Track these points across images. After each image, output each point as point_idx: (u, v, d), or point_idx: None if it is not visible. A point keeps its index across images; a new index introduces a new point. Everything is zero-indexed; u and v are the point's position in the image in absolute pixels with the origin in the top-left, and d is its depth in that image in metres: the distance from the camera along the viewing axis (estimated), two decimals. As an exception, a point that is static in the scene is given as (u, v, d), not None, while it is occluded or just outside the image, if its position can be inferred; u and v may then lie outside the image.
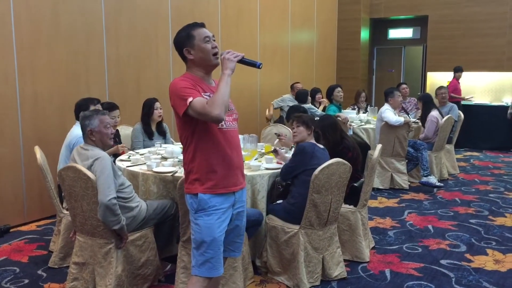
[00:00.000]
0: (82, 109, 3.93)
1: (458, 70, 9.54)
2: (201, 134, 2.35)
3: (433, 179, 6.07)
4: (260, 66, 2.41)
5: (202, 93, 2.34)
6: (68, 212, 3.41)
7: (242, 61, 2.38)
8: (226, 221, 2.42)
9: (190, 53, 2.41)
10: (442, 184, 6.27)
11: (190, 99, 2.25)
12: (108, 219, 2.96)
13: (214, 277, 2.42)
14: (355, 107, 7.62)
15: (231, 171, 2.41)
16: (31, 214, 4.88)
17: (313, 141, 3.60)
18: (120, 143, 4.57)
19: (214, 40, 2.44)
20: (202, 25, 2.45)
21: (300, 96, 6.91)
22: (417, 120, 6.88)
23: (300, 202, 3.39)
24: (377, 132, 6.27)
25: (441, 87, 7.29)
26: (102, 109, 3.33)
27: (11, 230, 4.63)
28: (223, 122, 2.35)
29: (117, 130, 4.68)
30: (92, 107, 3.92)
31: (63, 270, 3.60)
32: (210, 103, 2.23)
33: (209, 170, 2.36)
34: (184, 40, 2.41)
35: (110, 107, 4.42)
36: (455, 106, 7.13)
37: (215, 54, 2.41)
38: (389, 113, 6.04)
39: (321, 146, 3.59)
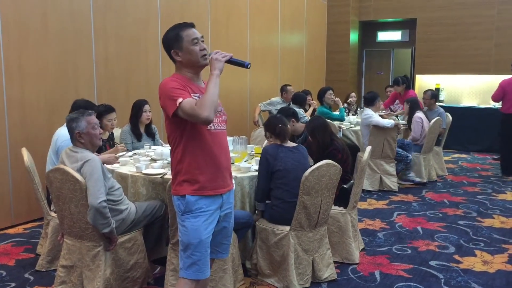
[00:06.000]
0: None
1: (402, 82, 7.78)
2: (189, 136, 2.34)
3: (412, 176, 6.42)
4: (249, 66, 2.39)
5: (192, 94, 2.33)
6: (55, 214, 3.37)
7: (230, 61, 2.36)
8: (213, 223, 2.41)
9: (178, 55, 2.39)
10: (420, 180, 6.48)
11: (179, 100, 2.23)
12: (98, 222, 2.93)
13: (201, 279, 2.41)
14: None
15: (219, 172, 2.41)
16: (18, 217, 4.81)
17: (278, 142, 3.54)
18: (114, 145, 4.50)
19: (203, 41, 2.41)
20: (191, 26, 2.42)
21: (298, 99, 6.70)
22: (405, 122, 6.92)
23: (278, 204, 3.41)
24: (363, 136, 6.28)
25: (426, 91, 7.31)
26: (88, 110, 3.24)
27: (-2, 233, 4.58)
28: (211, 123, 2.33)
29: (112, 132, 4.63)
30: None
31: (51, 273, 3.56)
32: (199, 104, 2.21)
33: (197, 172, 2.35)
34: (172, 41, 2.39)
35: (107, 110, 4.36)
36: (443, 111, 7.18)
37: (204, 55, 2.38)
38: (376, 117, 6.07)
39: (292, 145, 3.54)
